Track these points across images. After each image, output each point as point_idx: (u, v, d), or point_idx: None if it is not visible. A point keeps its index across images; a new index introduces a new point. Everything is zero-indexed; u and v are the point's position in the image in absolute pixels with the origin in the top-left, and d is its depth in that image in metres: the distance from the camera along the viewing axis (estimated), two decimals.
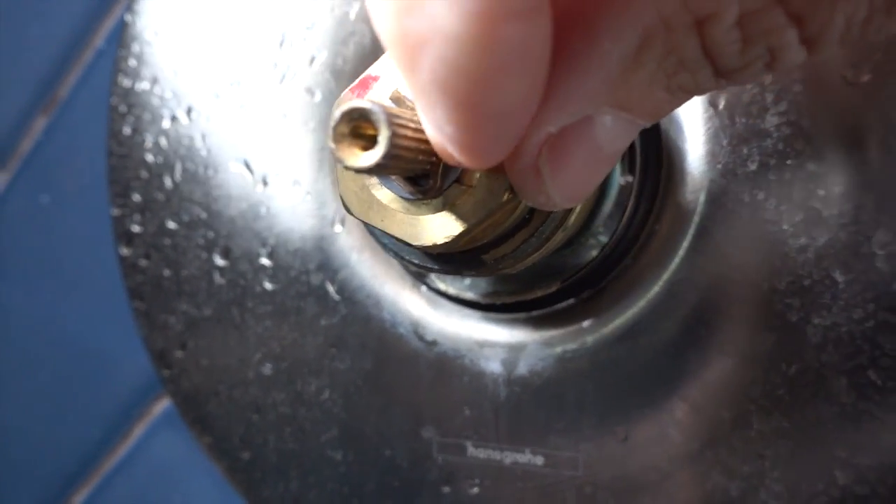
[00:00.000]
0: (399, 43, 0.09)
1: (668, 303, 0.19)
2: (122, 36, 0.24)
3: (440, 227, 0.13)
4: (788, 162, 0.17)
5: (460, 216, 0.13)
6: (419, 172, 0.13)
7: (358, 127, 0.11)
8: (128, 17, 0.24)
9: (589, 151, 0.11)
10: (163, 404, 0.28)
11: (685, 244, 0.18)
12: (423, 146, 0.11)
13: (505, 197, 0.13)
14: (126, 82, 0.24)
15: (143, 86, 0.24)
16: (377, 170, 0.11)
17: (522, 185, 0.12)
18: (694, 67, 0.09)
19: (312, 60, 0.21)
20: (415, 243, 0.13)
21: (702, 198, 0.18)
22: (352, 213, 0.14)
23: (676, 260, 0.18)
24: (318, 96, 0.21)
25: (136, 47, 0.24)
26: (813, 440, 0.17)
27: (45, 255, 0.29)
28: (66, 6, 0.28)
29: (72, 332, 0.28)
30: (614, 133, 0.11)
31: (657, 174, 0.19)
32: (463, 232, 0.13)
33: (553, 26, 0.09)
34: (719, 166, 0.18)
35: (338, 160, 0.11)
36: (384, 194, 0.13)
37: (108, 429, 0.28)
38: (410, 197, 0.13)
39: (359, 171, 0.11)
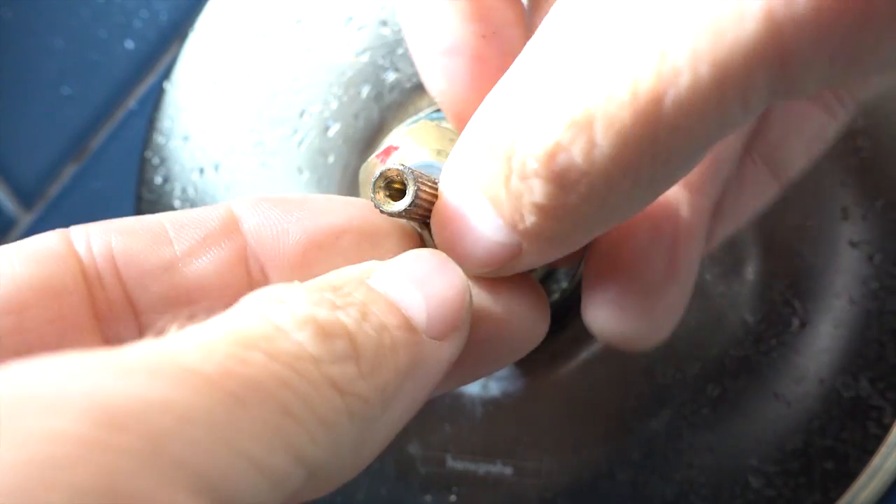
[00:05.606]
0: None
1: None
2: (159, 100, 0.28)
3: None
4: None
5: None
6: (427, 219, 0.17)
7: (392, 183, 0.15)
8: (166, 84, 0.28)
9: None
10: None
11: None
12: (434, 199, 0.15)
13: None
14: (160, 139, 0.28)
15: (175, 143, 0.28)
16: (403, 214, 0.15)
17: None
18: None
19: (327, 130, 0.26)
20: None
21: None
22: None
23: None
24: (332, 159, 0.26)
25: (171, 110, 0.28)
26: (731, 451, 0.21)
27: None
28: (105, 71, 0.32)
29: None
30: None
31: None
32: None
33: None
34: None
35: (376, 205, 0.15)
36: None
37: None
38: None
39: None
